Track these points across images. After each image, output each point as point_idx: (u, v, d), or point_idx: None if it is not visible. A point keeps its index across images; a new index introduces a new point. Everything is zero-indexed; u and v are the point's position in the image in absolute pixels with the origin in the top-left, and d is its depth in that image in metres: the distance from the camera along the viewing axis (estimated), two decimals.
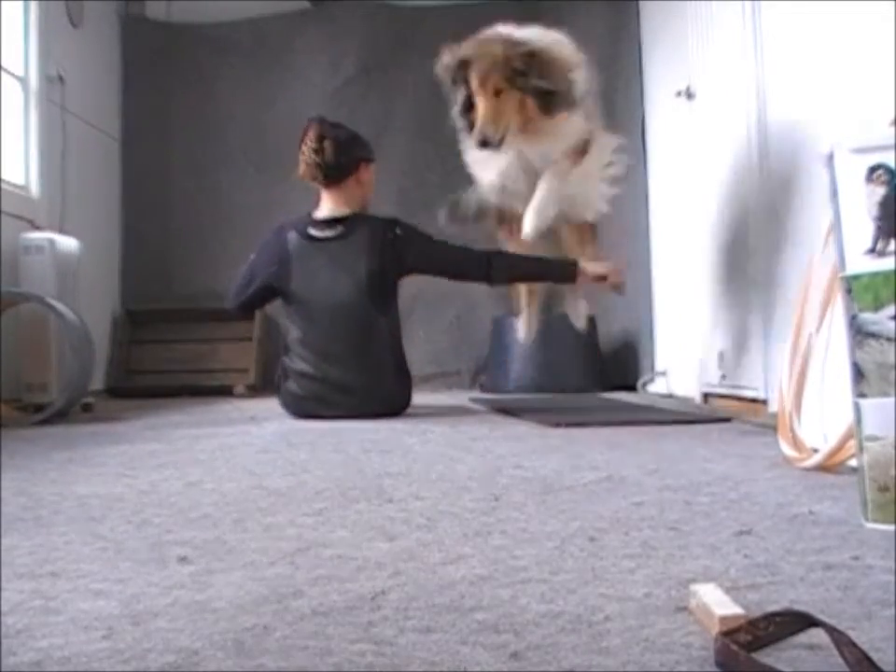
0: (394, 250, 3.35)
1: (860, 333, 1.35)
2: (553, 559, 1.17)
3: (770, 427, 2.54)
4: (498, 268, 3.35)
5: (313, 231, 3.38)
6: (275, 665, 0.80)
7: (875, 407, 1.34)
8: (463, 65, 3.09)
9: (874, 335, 1.33)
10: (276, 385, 3.50)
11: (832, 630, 0.78)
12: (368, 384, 3.34)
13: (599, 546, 1.24)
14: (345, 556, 1.20)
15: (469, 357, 5.33)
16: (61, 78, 4.50)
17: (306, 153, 3.36)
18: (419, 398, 3.98)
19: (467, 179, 5.39)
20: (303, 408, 3.37)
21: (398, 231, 3.38)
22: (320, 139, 3.36)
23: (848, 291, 1.37)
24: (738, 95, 3.42)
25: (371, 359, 3.36)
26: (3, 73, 4.09)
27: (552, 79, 2.91)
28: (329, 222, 3.39)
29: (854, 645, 0.75)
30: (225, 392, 4.93)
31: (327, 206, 3.44)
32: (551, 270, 3.42)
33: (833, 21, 2.55)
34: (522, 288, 3.73)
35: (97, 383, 4.56)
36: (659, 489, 1.69)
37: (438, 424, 3.07)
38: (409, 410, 3.59)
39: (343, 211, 3.41)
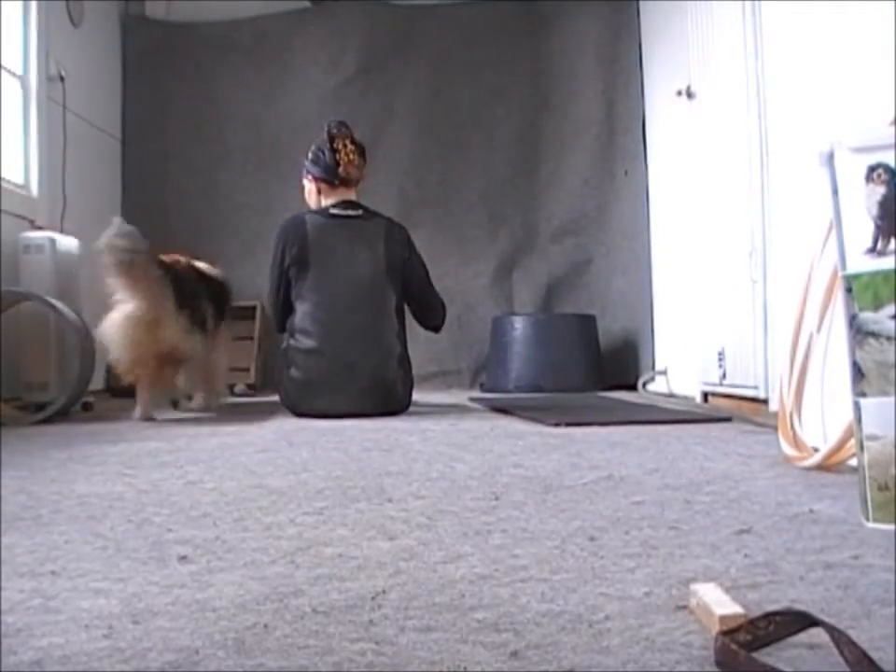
0: (403, 250, 3.55)
1: (860, 332, 1.35)
2: (553, 558, 1.17)
3: (770, 426, 2.55)
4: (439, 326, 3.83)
5: (333, 211, 3.53)
6: (276, 664, 0.80)
7: (875, 406, 1.34)
8: None
9: (874, 334, 1.33)
10: (277, 378, 3.51)
11: (831, 629, 0.78)
12: (373, 365, 3.39)
13: (599, 545, 1.24)
14: (346, 555, 1.20)
15: (470, 357, 5.34)
16: (61, 77, 4.50)
17: (350, 154, 3.54)
18: (419, 396, 3.98)
19: (465, 178, 5.43)
20: (305, 396, 3.38)
21: (410, 240, 3.60)
22: (353, 143, 3.59)
23: (848, 290, 1.37)
24: (738, 95, 3.43)
25: (379, 338, 3.44)
26: (3, 72, 4.08)
27: None
28: (349, 204, 3.55)
29: (854, 644, 0.75)
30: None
31: (341, 197, 3.57)
32: None
33: (833, 20, 2.55)
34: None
35: (97, 382, 4.56)
36: (659, 488, 1.69)
37: (438, 423, 3.07)
38: (409, 409, 3.59)
39: (357, 200, 3.60)
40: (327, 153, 3.52)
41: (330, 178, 3.54)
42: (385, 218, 3.58)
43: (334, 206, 3.52)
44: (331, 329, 3.40)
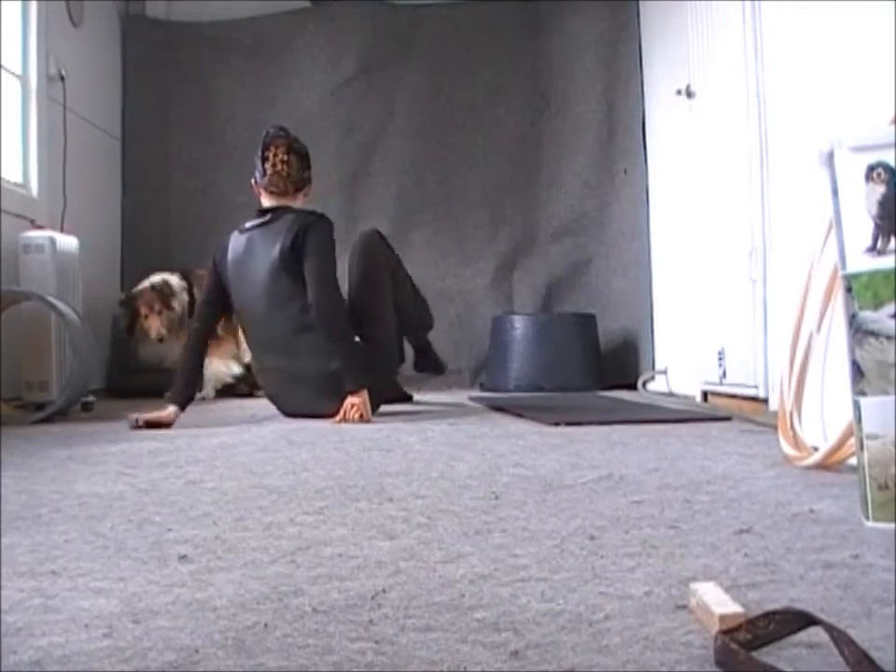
0: (309, 233, 3.25)
1: (859, 332, 1.35)
2: (552, 557, 1.17)
3: (770, 425, 2.54)
4: (327, 322, 3.21)
5: (247, 224, 3.38)
6: (276, 663, 0.80)
7: (874, 405, 1.34)
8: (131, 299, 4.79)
9: (873, 333, 1.33)
10: None
11: (831, 628, 0.78)
12: (310, 370, 3.25)
13: (599, 544, 1.24)
14: (346, 555, 1.21)
15: (470, 356, 5.33)
16: (62, 77, 4.49)
17: (277, 164, 3.32)
18: (419, 396, 3.98)
19: (465, 178, 5.43)
20: (280, 406, 3.43)
21: (319, 227, 3.28)
22: (289, 151, 3.35)
23: (848, 290, 1.37)
24: (738, 94, 3.42)
25: (298, 340, 3.26)
26: (3, 72, 4.08)
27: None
28: (261, 212, 3.37)
29: (854, 643, 0.75)
30: (225, 391, 4.92)
31: (272, 203, 3.38)
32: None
33: (834, 20, 2.55)
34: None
35: (97, 381, 4.56)
36: (659, 488, 1.69)
37: (438, 422, 3.07)
38: (408, 408, 3.58)
39: (276, 204, 3.38)
40: (259, 161, 3.36)
41: (263, 186, 3.37)
42: (295, 213, 3.31)
43: (251, 219, 3.37)
44: (262, 344, 3.40)
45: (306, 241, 3.23)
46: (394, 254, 3.61)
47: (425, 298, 3.86)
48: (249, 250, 3.30)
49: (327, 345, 3.21)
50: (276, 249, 3.23)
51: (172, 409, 3.14)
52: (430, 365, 3.96)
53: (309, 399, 3.28)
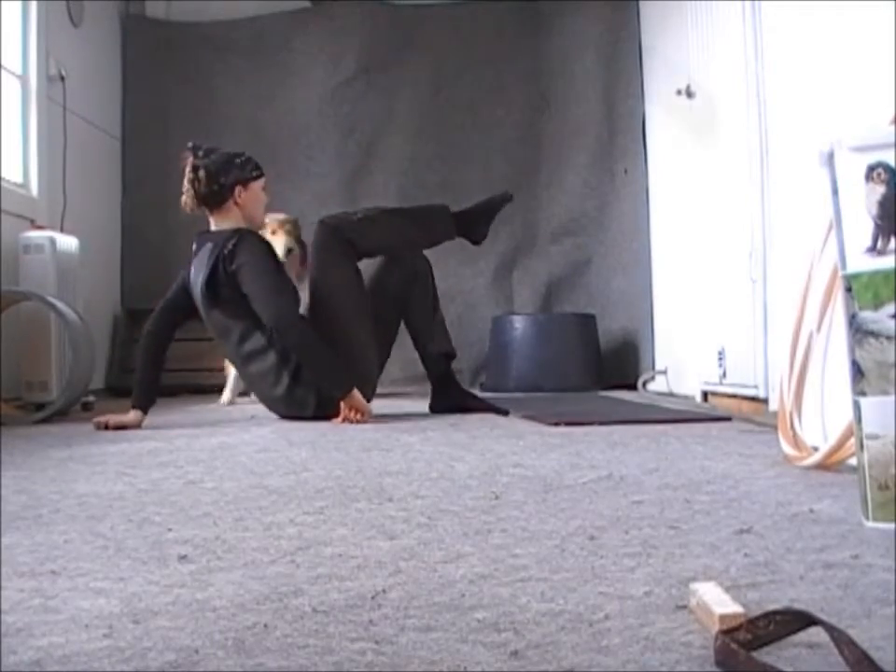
0: (229, 261, 3.18)
1: (859, 332, 1.35)
2: (552, 558, 1.17)
3: (770, 425, 2.55)
4: (285, 341, 3.17)
5: (194, 248, 3.36)
6: (276, 663, 0.80)
7: (874, 405, 1.34)
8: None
9: (873, 333, 1.33)
10: None
11: (831, 629, 0.78)
12: (265, 395, 3.34)
13: (599, 545, 1.24)
14: (346, 555, 1.20)
15: (470, 356, 5.33)
16: (62, 77, 4.50)
17: (185, 185, 3.30)
18: (420, 397, 3.97)
19: (465, 178, 5.42)
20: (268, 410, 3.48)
21: (232, 244, 3.19)
22: (195, 169, 3.28)
23: (848, 290, 1.37)
24: (738, 94, 3.43)
25: (251, 372, 3.31)
26: (3, 72, 4.08)
27: None
28: (194, 236, 3.38)
29: (854, 644, 0.75)
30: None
31: (211, 225, 3.38)
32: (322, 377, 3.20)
33: (834, 20, 2.55)
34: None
35: (97, 381, 4.56)
36: (659, 488, 1.69)
37: (438, 422, 3.07)
38: (408, 408, 3.58)
39: (213, 229, 3.36)
40: None
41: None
42: (214, 241, 3.23)
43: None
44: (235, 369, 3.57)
45: (234, 265, 3.16)
46: (370, 238, 3.42)
47: (443, 318, 3.60)
48: (191, 282, 3.31)
49: (304, 364, 3.19)
50: (199, 288, 3.23)
51: (136, 413, 3.15)
52: (460, 399, 3.54)
53: (284, 410, 3.33)
